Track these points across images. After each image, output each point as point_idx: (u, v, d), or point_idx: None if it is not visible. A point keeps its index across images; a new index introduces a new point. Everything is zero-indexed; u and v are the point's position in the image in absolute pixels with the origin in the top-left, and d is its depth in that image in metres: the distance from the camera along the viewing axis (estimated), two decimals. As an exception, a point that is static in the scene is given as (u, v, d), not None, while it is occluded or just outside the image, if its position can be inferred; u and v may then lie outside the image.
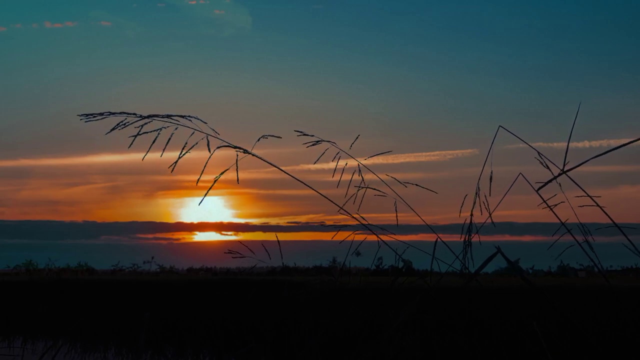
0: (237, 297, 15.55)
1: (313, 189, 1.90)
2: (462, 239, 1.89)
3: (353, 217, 1.93)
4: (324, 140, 2.02)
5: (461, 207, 2.00)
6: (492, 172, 1.97)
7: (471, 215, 1.93)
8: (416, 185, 2.14)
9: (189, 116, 1.84)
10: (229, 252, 2.01)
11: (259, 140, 1.90)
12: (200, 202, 1.88)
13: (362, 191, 2.05)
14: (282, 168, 1.95)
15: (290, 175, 1.95)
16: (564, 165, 1.58)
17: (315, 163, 2.02)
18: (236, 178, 1.81)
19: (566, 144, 1.87)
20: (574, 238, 1.75)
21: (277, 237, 2.05)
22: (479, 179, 1.96)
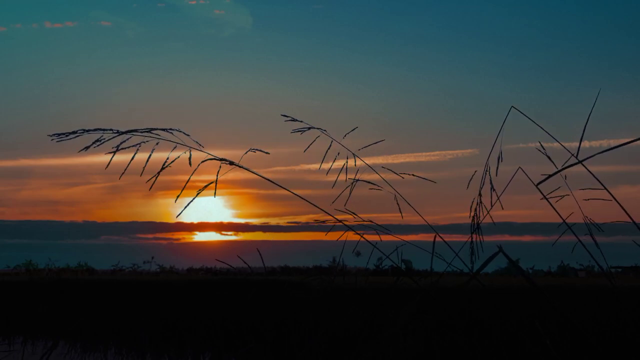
0: (237, 297, 15.55)
1: (293, 192, 1.88)
2: (469, 239, 1.87)
3: (359, 216, 1.92)
4: (314, 127, 1.92)
5: (466, 189, 1.98)
6: (501, 152, 1.92)
7: (476, 214, 1.91)
8: (413, 175, 2.06)
9: (170, 129, 1.74)
10: (208, 271, 1.96)
11: (246, 153, 1.83)
12: (178, 215, 1.81)
13: (357, 184, 1.98)
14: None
15: (273, 182, 1.93)
16: (577, 154, 1.55)
17: (305, 151, 1.94)
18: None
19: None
20: (577, 238, 1.75)
21: (258, 250, 2.02)
22: (485, 170, 1.93)
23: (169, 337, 9.98)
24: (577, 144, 1.75)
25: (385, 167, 1.98)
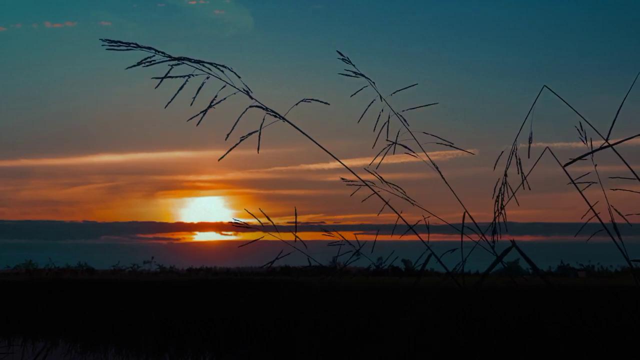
0: (236, 297, 15.55)
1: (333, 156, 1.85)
2: (493, 221, 1.85)
3: (385, 181, 1.90)
4: (364, 76, 1.85)
5: (493, 170, 1.96)
6: (531, 133, 1.88)
7: (500, 195, 1.88)
8: (452, 145, 1.97)
9: (222, 65, 1.65)
10: (234, 223, 1.90)
11: (297, 104, 1.75)
12: (220, 158, 1.73)
13: (394, 148, 1.93)
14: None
15: (318, 144, 1.86)
16: (608, 137, 1.52)
17: (352, 96, 1.88)
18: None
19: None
20: (605, 229, 1.73)
21: (296, 229, 1.97)
22: (512, 150, 1.89)
23: (169, 337, 9.97)
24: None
25: (426, 133, 1.91)
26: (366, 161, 1.97)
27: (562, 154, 1.80)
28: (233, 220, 1.89)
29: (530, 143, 1.89)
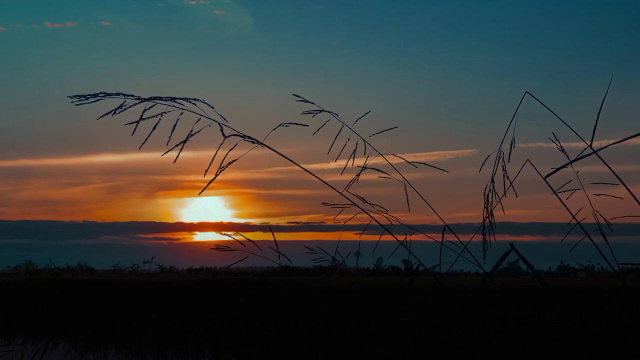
0: (236, 297, 15.55)
1: (321, 179, 1.86)
2: (482, 226, 1.85)
3: (368, 202, 1.91)
4: (325, 110, 1.87)
5: (479, 172, 1.96)
6: (514, 138, 1.87)
7: (489, 202, 1.88)
8: (425, 164, 1.99)
9: (194, 99, 1.67)
10: (216, 248, 1.91)
11: (275, 129, 1.76)
12: (201, 192, 1.75)
13: (363, 176, 1.94)
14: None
15: (300, 165, 1.90)
16: (592, 143, 1.51)
17: (314, 134, 1.88)
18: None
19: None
20: (587, 235, 1.74)
21: (271, 231, 1.98)
22: (497, 155, 1.88)
23: (169, 337, 9.98)
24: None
25: (396, 155, 1.92)
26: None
27: (559, 155, 1.80)
28: (215, 247, 1.89)
29: (511, 148, 1.89)
